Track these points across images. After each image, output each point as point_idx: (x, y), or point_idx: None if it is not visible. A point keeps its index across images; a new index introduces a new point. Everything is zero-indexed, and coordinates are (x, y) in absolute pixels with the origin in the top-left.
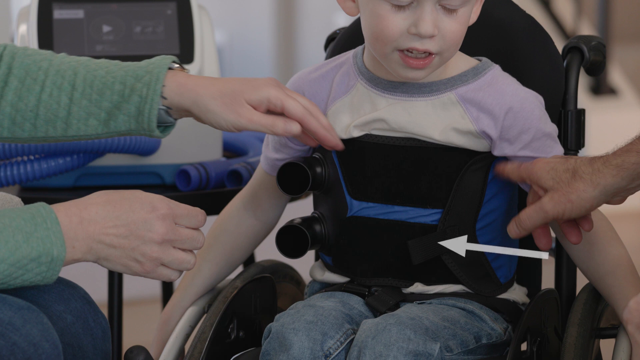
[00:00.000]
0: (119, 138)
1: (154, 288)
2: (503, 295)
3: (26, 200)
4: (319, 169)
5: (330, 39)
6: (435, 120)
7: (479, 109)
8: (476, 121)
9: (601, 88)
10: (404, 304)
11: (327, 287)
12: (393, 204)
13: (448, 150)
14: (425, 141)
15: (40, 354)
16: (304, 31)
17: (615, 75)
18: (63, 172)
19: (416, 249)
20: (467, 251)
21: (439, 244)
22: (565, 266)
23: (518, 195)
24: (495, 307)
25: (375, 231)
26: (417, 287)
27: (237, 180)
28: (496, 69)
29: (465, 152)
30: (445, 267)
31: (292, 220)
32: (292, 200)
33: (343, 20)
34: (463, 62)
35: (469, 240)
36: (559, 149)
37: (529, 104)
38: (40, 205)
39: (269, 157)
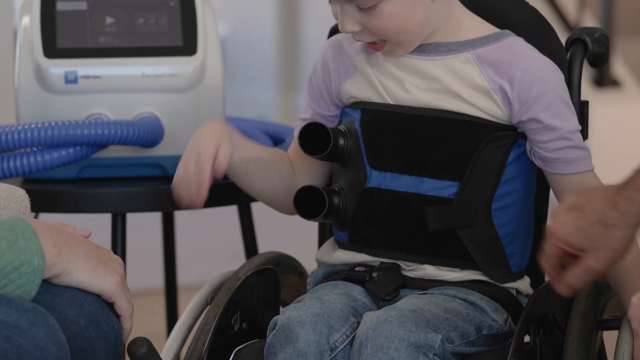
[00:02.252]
0: (121, 129)
1: (157, 280)
2: (507, 284)
3: (29, 193)
4: (341, 140)
5: (333, 31)
6: (450, 79)
7: (495, 69)
8: (492, 81)
9: (604, 80)
10: (404, 290)
11: (329, 276)
12: (411, 174)
13: (470, 122)
14: (446, 111)
15: (46, 357)
16: (307, 23)
17: (618, 67)
18: (66, 164)
19: (433, 215)
20: (482, 230)
21: (455, 216)
22: None
23: (536, 185)
24: (496, 298)
25: (393, 202)
26: (424, 271)
27: None
28: (520, 39)
29: (486, 127)
30: (460, 244)
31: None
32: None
33: None
34: (484, 28)
35: (483, 219)
36: (575, 125)
37: (548, 69)
38: (18, 219)
39: (306, 119)
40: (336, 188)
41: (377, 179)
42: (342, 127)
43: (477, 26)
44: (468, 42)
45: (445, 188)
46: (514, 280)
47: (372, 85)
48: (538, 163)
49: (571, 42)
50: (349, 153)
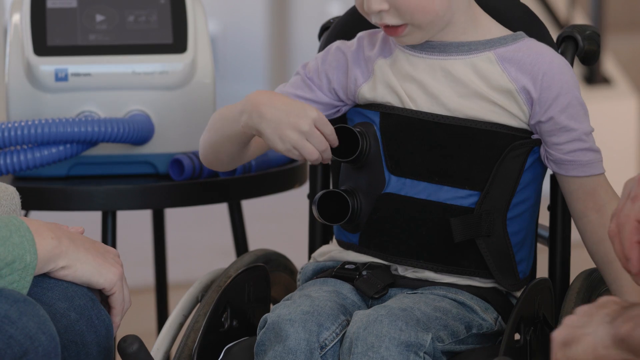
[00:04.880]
0: (112, 127)
1: (147, 277)
2: (515, 292)
3: (20, 190)
4: (361, 142)
5: (324, 29)
6: (474, 79)
7: (517, 69)
8: (515, 81)
9: (595, 77)
10: (393, 289)
11: (318, 273)
12: (431, 182)
13: (492, 131)
14: (470, 120)
15: (37, 347)
16: (298, 21)
17: (609, 64)
18: (56, 161)
19: (458, 226)
20: (498, 239)
21: (477, 226)
22: (559, 255)
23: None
24: (485, 297)
25: (411, 210)
26: (423, 274)
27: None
28: (534, 40)
29: (508, 136)
30: (477, 253)
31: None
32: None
33: (337, 10)
34: (499, 29)
35: (500, 228)
36: (589, 126)
37: (566, 70)
38: (12, 217)
39: (288, 92)
40: (349, 189)
41: (397, 185)
42: (360, 129)
43: (492, 26)
44: (488, 41)
45: (465, 197)
46: (521, 287)
47: (392, 90)
48: (551, 166)
49: (562, 39)
50: (367, 155)
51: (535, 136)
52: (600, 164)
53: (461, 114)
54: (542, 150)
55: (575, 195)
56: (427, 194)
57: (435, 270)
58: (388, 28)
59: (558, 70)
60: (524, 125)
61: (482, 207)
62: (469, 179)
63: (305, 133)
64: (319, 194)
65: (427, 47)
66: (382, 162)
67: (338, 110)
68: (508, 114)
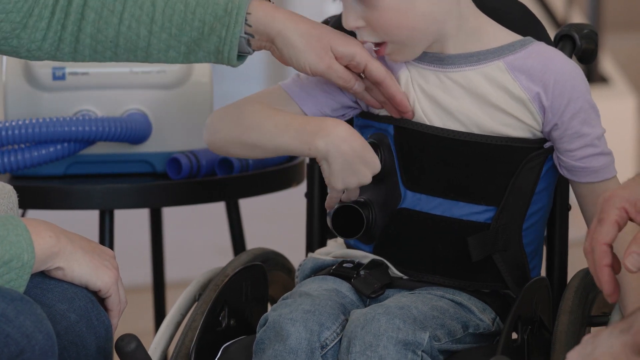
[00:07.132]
0: (109, 126)
1: (145, 276)
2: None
3: (17, 189)
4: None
5: None
6: (488, 89)
7: (528, 77)
8: (527, 90)
9: (592, 76)
10: (391, 290)
11: (317, 271)
12: (447, 197)
13: (508, 146)
14: (486, 136)
15: (33, 345)
16: None
17: (607, 63)
18: (54, 160)
19: (475, 245)
20: (514, 252)
21: (494, 242)
22: (557, 254)
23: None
24: (484, 299)
25: (427, 226)
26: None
27: (228, 168)
28: (543, 44)
29: (523, 149)
30: (493, 267)
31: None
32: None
33: (334, 9)
34: (506, 35)
35: (516, 241)
36: (601, 128)
37: (577, 74)
38: (10, 216)
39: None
40: (365, 200)
41: (412, 200)
42: (372, 140)
43: (499, 32)
44: (496, 50)
45: (481, 213)
46: None
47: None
48: (564, 172)
49: (559, 38)
50: (382, 168)
51: (548, 144)
52: (611, 167)
53: (476, 128)
54: (554, 156)
55: (588, 199)
56: (443, 209)
57: (451, 286)
58: (375, 47)
59: (569, 76)
60: (538, 135)
61: (498, 222)
62: (486, 195)
63: (363, 183)
64: (335, 207)
65: (436, 60)
66: (398, 176)
67: (343, 115)
68: (523, 125)
